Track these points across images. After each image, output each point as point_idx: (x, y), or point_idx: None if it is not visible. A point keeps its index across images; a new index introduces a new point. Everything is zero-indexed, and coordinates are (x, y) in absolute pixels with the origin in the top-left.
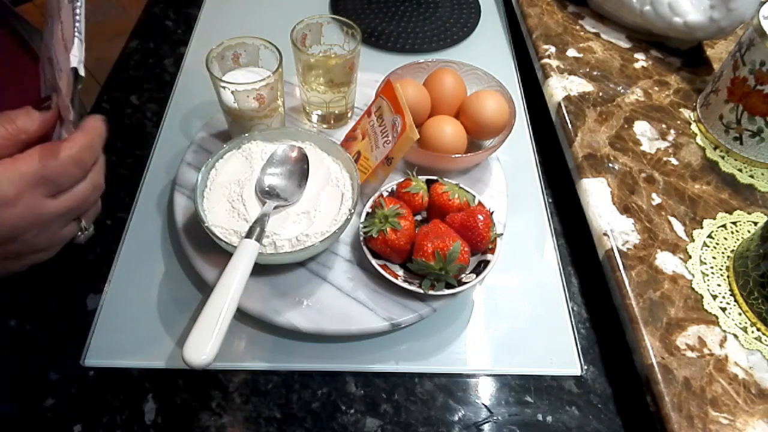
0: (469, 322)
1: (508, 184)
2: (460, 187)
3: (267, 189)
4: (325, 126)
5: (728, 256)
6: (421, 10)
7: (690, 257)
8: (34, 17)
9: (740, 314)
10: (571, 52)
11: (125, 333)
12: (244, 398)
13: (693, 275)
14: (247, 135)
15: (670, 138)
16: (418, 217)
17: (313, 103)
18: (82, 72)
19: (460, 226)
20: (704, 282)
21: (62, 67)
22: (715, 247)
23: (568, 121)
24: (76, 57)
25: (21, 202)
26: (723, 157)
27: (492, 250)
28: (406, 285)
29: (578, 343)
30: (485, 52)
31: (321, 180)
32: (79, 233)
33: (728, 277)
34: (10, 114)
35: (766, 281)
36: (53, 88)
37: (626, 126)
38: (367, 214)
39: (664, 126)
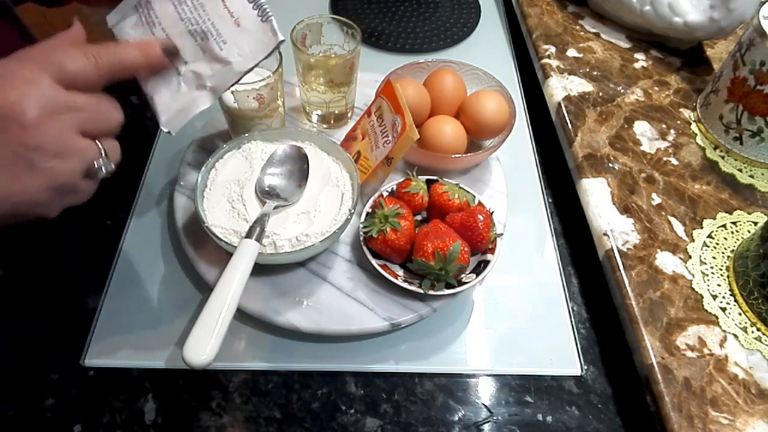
0: (469, 322)
1: (508, 184)
2: (460, 187)
3: (267, 189)
4: (325, 126)
5: (728, 256)
6: (421, 10)
7: (690, 257)
8: (35, 18)
9: (740, 314)
10: (571, 52)
11: (125, 333)
12: (244, 398)
13: (693, 275)
14: (247, 135)
15: (670, 138)
16: (418, 217)
17: (313, 103)
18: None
19: (460, 226)
20: (704, 282)
21: (227, 39)
22: (715, 247)
23: (568, 121)
24: (278, 32)
25: (22, 78)
26: (723, 157)
27: (492, 250)
28: (406, 285)
29: (578, 343)
30: (485, 52)
31: (321, 180)
32: (100, 162)
33: (728, 277)
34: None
35: (766, 281)
36: (201, 58)
37: (626, 126)
38: (367, 214)
39: (664, 126)
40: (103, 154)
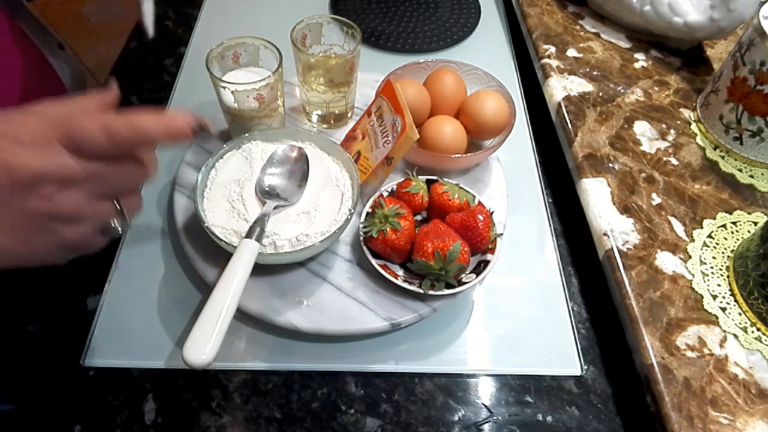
0: (469, 322)
1: (508, 184)
2: (460, 187)
3: (267, 189)
4: (325, 126)
5: (728, 256)
6: (421, 10)
7: (690, 257)
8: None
9: (740, 314)
10: (571, 52)
11: (125, 333)
12: (244, 398)
13: (693, 275)
14: (247, 135)
15: (670, 138)
16: (418, 217)
17: (313, 103)
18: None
19: (460, 226)
20: (704, 282)
21: None
22: (715, 247)
23: (568, 121)
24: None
25: (33, 142)
26: (723, 157)
27: (492, 250)
28: (406, 285)
29: (578, 343)
30: (485, 52)
31: (321, 180)
32: (116, 222)
33: (728, 277)
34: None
35: (766, 281)
36: None
37: (626, 126)
38: (367, 214)
39: (664, 126)
40: (119, 213)
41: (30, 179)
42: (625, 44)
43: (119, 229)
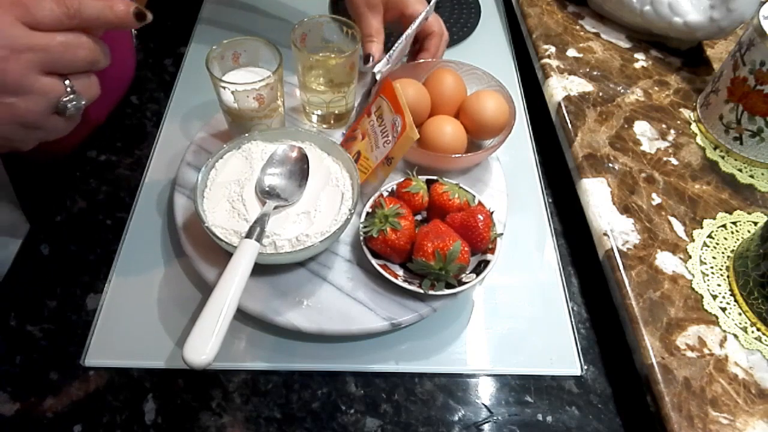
0: (469, 322)
1: (508, 184)
2: (460, 187)
3: (267, 189)
4: (325, 126)
5: (728, 256)
6: None
7: (690, 257)
8: None
9: (740, 314)
10: (571, 52)
11: (125, 333)
12: (244, 398)
13: (693, 275)
14: (247, 135)
15: (670, 138)
16: (418, 217)
17: (313, 103)
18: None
19: (460, 226)
20: (704, 282)
21: None
22: (715, 247)
23: (568, 121)
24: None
25: None
26: (723, 157)
27: (492, 250)
28: (406, 285)
29: (578, 343)
30: (485, 52)
31: (321, 180)
32: (66, 98)
33: (728, 277)
34: None
35: (766, 281)
36: None
37: (626, 126)
38: (367, 214)
39: (664, 126)
40: (71, 92)
41: None
42: (625, 44)
43: (70, 107)
